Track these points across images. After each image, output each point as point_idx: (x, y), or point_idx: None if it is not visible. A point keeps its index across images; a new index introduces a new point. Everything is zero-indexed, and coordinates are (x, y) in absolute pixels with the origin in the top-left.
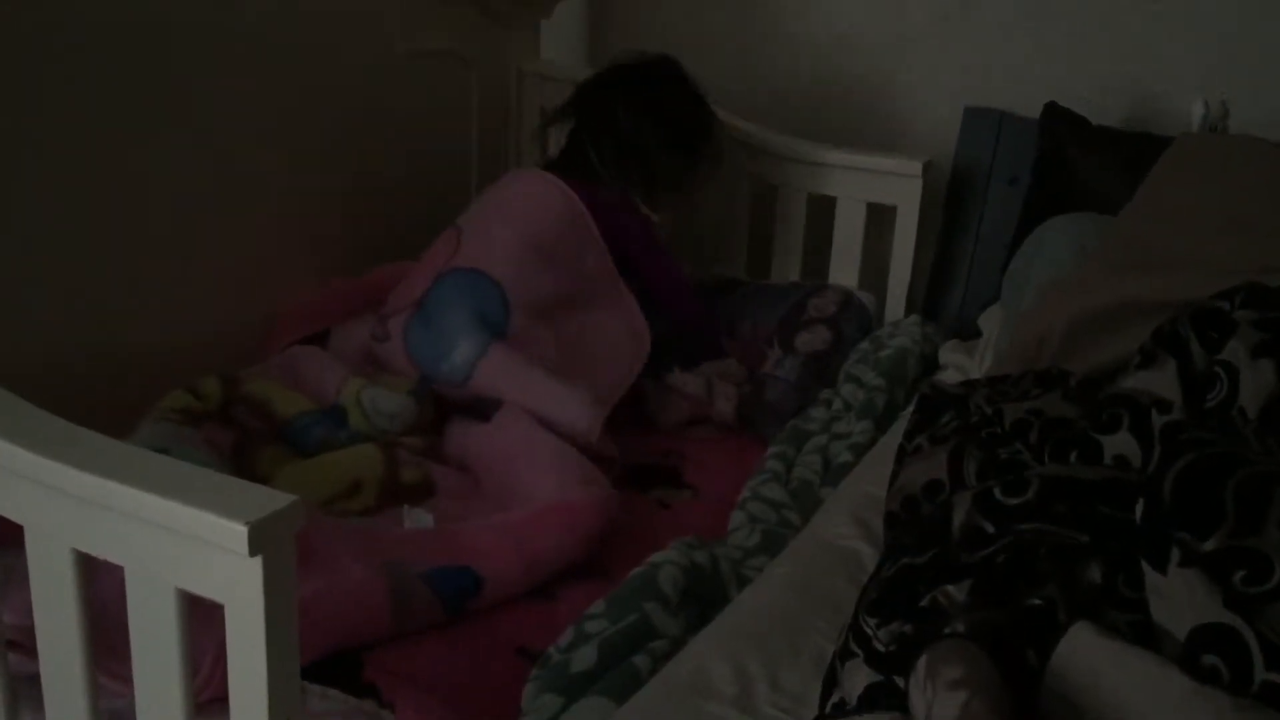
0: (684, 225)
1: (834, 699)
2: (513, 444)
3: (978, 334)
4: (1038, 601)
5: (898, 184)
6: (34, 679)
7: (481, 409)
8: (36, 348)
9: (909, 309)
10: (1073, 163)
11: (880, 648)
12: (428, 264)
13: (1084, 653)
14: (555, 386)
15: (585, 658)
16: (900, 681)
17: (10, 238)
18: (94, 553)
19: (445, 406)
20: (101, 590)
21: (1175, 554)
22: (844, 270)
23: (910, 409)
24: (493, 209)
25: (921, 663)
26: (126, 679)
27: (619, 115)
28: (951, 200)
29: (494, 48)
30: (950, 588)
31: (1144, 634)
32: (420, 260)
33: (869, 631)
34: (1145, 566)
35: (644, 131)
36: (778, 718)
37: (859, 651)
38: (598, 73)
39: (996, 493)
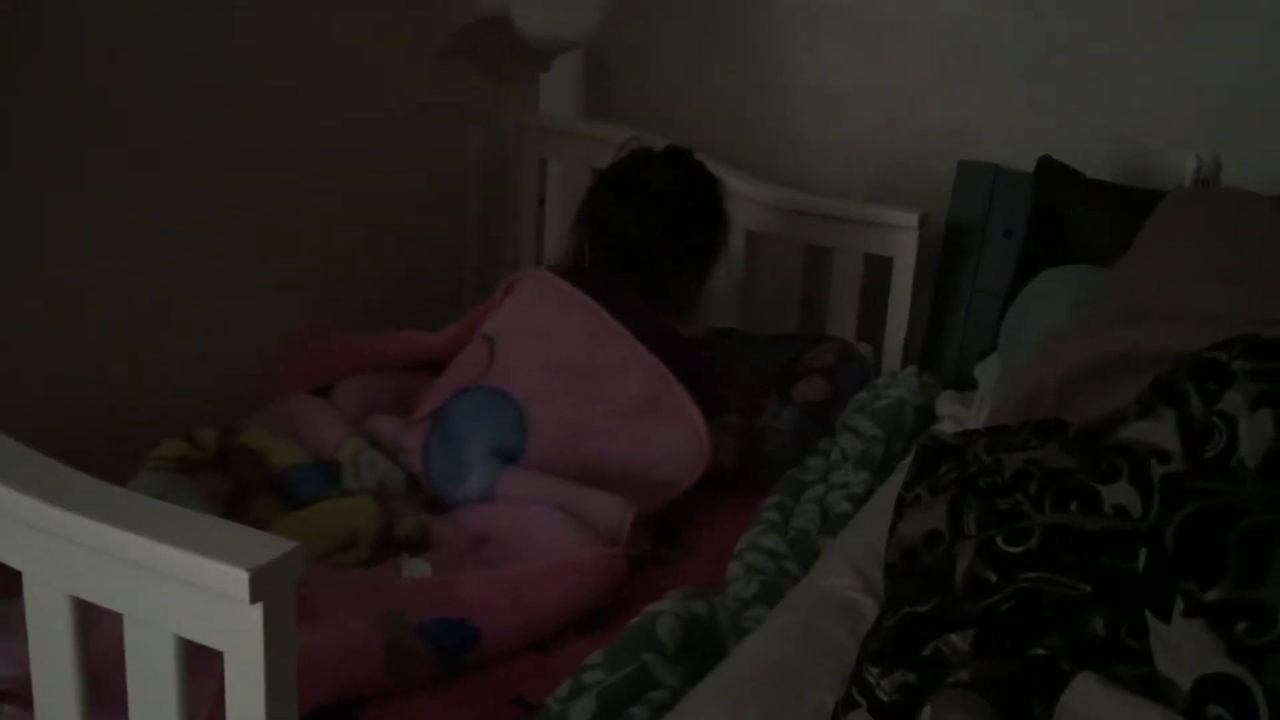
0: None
1: None
2: (517, 511)
3: (974, 385)
4: (1042, 651)
5: (894, 236)
6: None
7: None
8: (36, 395)
9: (906, 360)
10: (1067, 216)
11: (884, 697)
12: (455, 373)
13: (1089, 703)
14: (579, 492)
15: (583, 709)
16: None
17: (10, 285)
18: (92, 599)
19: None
20: (98, 638)
21: (1179, 604)
22: (841, 321)
23: (908, 459)
24: (525, 328)
25: (926, 712)
26: None
27: (641, 240)
28: (947, 252)
29: (493, 101)
30: (954, 637)
31: (1148, 684)
32: (450, 368)
33: (872, 681)
34: (1149, 617)
35: (667, 261)
36: None
37: (862, 701)
38: (613, 176)
39: (999, 541)
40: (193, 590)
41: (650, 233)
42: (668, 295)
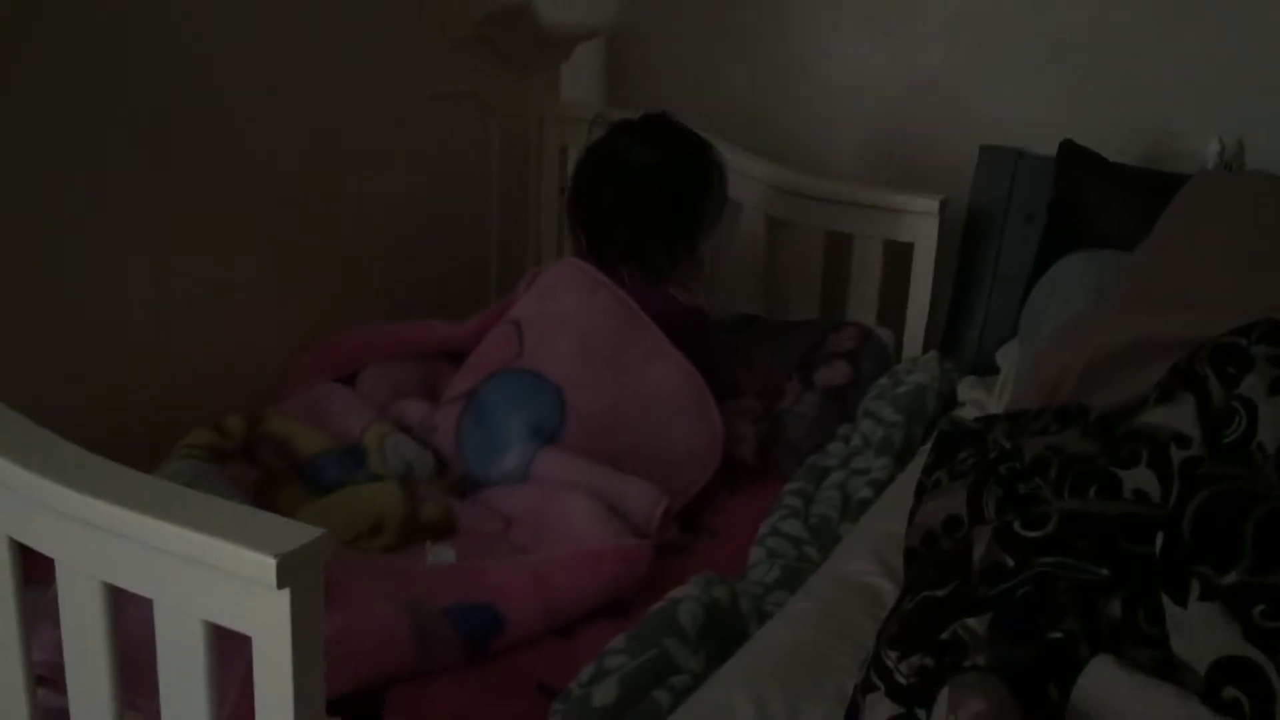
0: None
1: None
2: (547, 497)
3: (996, 370)
4: (1058, 635)
5: (915, 221)
6: (62, 713)
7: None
8: (67, 388)
9: (927, 345)
10: (1089, 200)
11: (902, 680)
12: (484, 357)
13: (1105, 686)
14: (614, 476)
15: (606, 693)
16: (922, 714)
17: (39, 279)
18: (123, 585)
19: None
20: (129, 623)
21: (1195, 588)
22: (862, 307)
23: (929, 445)
24: (553, 315)
25: (943, 695)
26: (154, 712)
27: (626, 220)
28: (968, 237)
29: (514, 90)
30: (971, 621)
31: (1165, 668)
32: (477, 352)
33: (890, 664)
34: (1165, 600)
35: (655, 237)
36: None
37: (880, 685)
38: (591, 156)
39: (1017, 526)
40: (221, 576)
41: (634, 210)
42: (661, 271)
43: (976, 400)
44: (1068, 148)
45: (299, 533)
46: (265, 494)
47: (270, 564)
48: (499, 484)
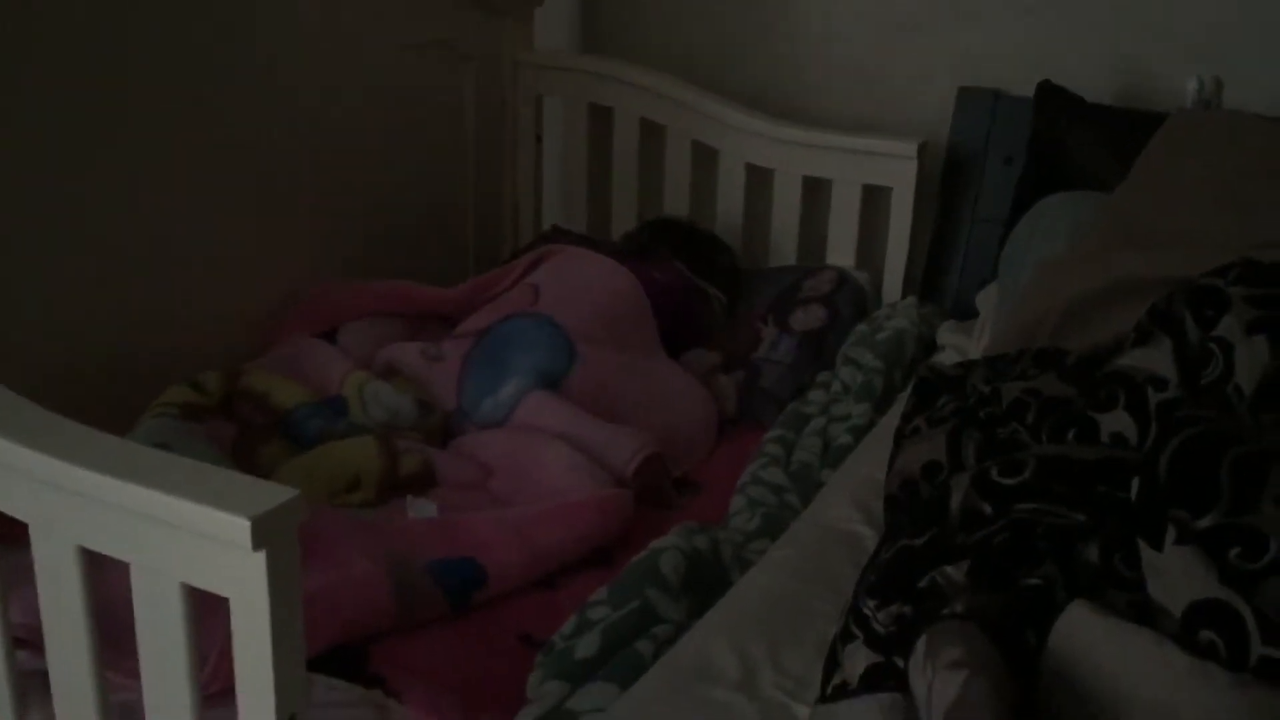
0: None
1: (835, 681)
2: (526, 444)
3: (975, 314)
4: (1036, 581)
5: (893, 165)
6: (43, 675)
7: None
8: (38, 346)
9: (906, 290)
10: (1067, 140)
11: (880, 629)
12: (502, 306)
13: (1081, 631)
14: (598, 424)
15: (589, 644)
16: (900, 662)
17: (10, 235)
18: (99, 549)
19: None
20: (108, 585)
21: (1171, 532)
22: (840, 253)
23: (908, 391)
24: (572, 282)
25: (921, 643)
26: (134, 673)
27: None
28: (947, 181)
29: (489, 38)
30: (949, 569)
31: (1142, 612)
32: (494, 304)
33: (868, 613)
34: (1142, 544)
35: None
36: (781, 701)
37: (859, 634)
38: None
39: (994, 473)
40: (197, 539)
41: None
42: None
43: (956, 344)
44: (1045, 88)
45: (273, 493)
46: (244, 451)
47: (245, 525)
48: (483, 424)
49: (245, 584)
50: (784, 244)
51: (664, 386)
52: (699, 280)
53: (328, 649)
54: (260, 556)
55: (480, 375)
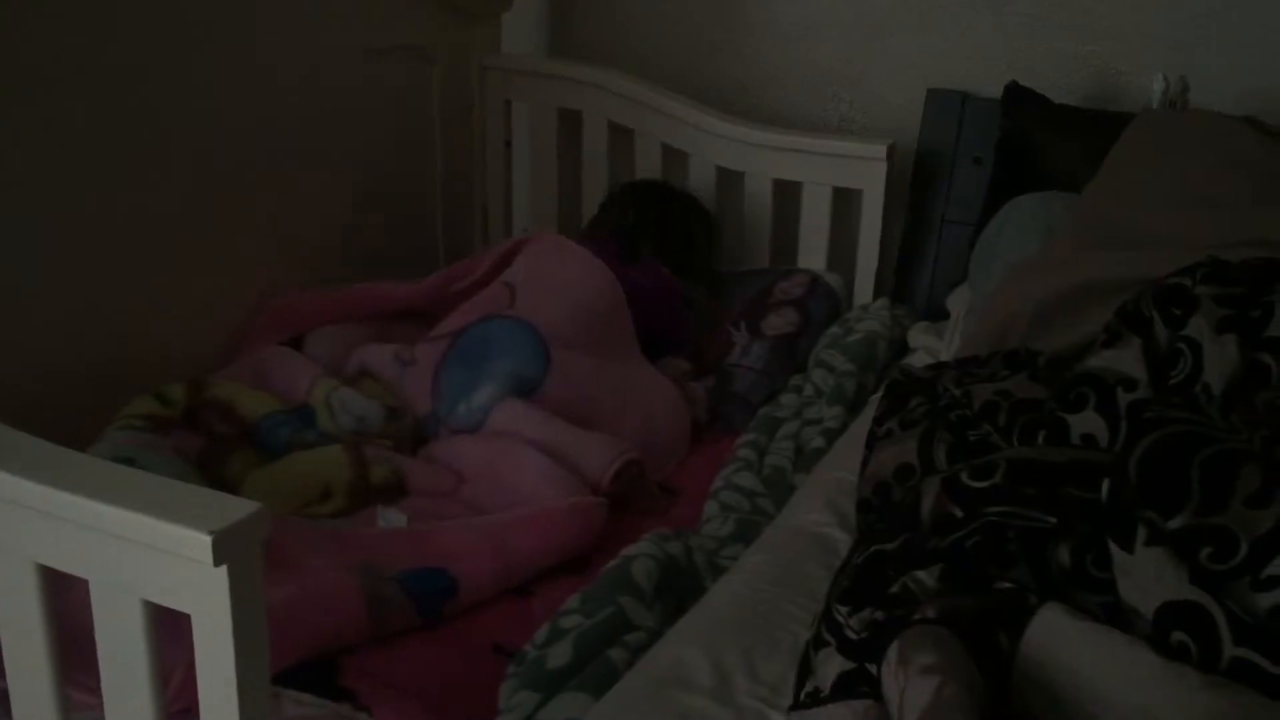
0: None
1: (808, 688)
2: (499, 451)
3: (946, 315)
4: (1007, 585)
5: (862, 168)
6: (3, 694)
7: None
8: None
9: (878, 291)
10: (1035, 141)
11: (852, 635)
12: (477, 305)
13: (1054, 634)
14: (573, 431)
15: (561, 653)
16: (873, 669)
17: None
18: (57, 566)
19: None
20: (70, 598)
21: (1142, 533)
22: (812, 255)
23: (880, 393)
24: (548, 282)
25: (893, 649)
26: (97, 690)
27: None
28: (917, 182)
29: (456, 42)
30: (920, 573)
31: (1113, 613)
32: (470, 303)
33: (840, 619)
34: (1113, 546)
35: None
36: (755, 708)
37: (831, 640)
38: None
39: (964, 477)
40: (157, 555)
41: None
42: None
43: (928, 346)
44: (1013, 90)
45: (235, 507)
46: (211, 462)
47: (205, 541)
48: (456, 429)
49: (207, 600)
50: (756, 247)
51: (640, 390)
52: (679, 280)
53: (297, 662)
54: (222, 572)
55: (454, 378)
